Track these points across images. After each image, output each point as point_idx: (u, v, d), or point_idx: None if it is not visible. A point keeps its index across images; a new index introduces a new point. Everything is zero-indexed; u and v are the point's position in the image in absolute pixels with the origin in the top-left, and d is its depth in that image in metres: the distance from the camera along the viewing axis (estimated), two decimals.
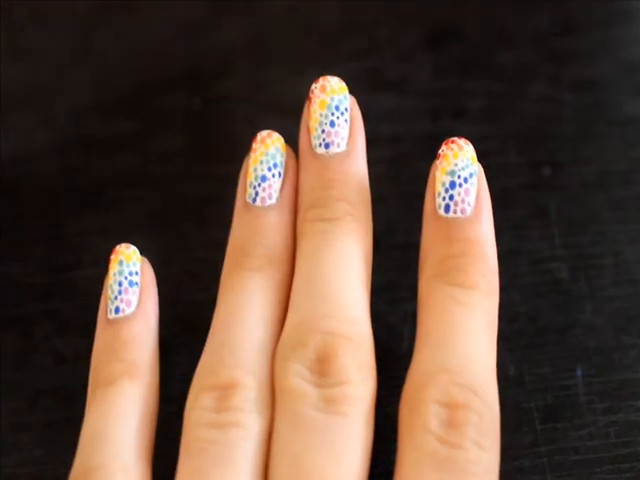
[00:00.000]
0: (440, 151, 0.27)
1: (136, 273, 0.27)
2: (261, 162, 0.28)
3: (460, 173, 0.26)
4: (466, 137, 0.36)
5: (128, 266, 0.27)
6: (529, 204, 0.34)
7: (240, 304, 0.26)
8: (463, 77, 0.38)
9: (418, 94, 0.37)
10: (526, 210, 0.34)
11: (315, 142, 0.28)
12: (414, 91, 0.37)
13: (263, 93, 0.38)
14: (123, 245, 0.28)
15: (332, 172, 0.27)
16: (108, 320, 0.27)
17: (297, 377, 0.24)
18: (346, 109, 0.28)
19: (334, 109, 0.28)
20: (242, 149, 0.36)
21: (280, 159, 0.28)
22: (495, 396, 0.25)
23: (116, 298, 0.27)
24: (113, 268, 0.28)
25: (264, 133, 0.28)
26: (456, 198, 0.26)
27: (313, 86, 0.28)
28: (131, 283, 0.27)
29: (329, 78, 0.28)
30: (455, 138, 0.27)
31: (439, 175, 0.26)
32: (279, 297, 0.27)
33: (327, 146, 0.27)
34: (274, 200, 0.28)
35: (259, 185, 0.28)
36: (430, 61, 0.38)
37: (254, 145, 0.28)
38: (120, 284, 0.27)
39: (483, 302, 0.25)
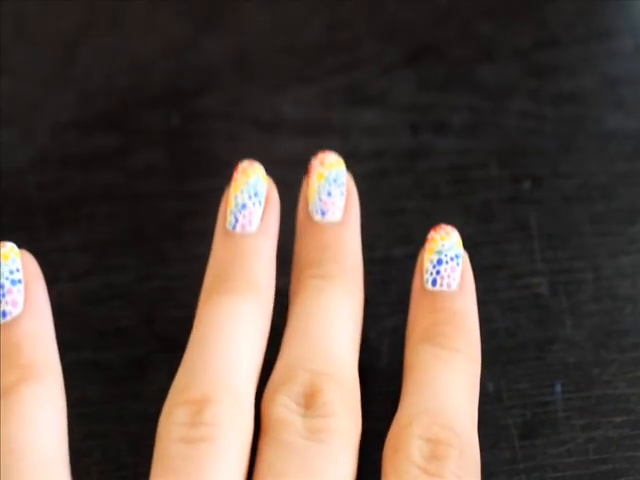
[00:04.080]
0: (428, 235, 0.28)
1: (17, 270, 0.26)
2: (242, 191, 0.28)
3: (447, 252, 0.28)
4: (447, 151, 0.36)
5: (7, 265, 0.26)
6: (510, 218, 0.34)
7: (216, 325, 0.26)
8: (444, 92, 0.38)
9: (399, 109, 0.37)
10: (507, 224, 0.34)
11: (312, 208, 0.29)
12: (395, 106, 0.37)
13: (243, 109, 0.37)
14: None
15: (328, 238, 0.28)
16: None
17: (284, 408, 0.25)
18: (342, 183, 0.29)
19: (332, 181, 0.29)
20: (222, 165, 0.36)
21: (261, 188, 0.28)
22: (475, 439, 0.26)
23: (0, 301, 0.25)
24: None
25: (245, 163, 0.29)
26: (442, 273, 0.27)
27: (312, 160, 0.29)
28: (13, 282, 0.26)
29: (327, 153, 0.29)
30: (442, 224, 0.28)
31: (427, 255, 0.28)
32: (257, 320, 0.27)
33: (323, 213, 0.28)
34: (254, 227, 0.28)
35: (239, 212, 0.28)
36: (411, 76, 0.38)
37: (235, 175, 0.28)
38: (2, 286, 0.25)
39: (465, 365, 0.26)
